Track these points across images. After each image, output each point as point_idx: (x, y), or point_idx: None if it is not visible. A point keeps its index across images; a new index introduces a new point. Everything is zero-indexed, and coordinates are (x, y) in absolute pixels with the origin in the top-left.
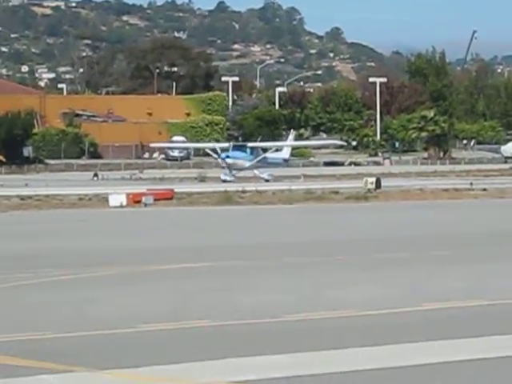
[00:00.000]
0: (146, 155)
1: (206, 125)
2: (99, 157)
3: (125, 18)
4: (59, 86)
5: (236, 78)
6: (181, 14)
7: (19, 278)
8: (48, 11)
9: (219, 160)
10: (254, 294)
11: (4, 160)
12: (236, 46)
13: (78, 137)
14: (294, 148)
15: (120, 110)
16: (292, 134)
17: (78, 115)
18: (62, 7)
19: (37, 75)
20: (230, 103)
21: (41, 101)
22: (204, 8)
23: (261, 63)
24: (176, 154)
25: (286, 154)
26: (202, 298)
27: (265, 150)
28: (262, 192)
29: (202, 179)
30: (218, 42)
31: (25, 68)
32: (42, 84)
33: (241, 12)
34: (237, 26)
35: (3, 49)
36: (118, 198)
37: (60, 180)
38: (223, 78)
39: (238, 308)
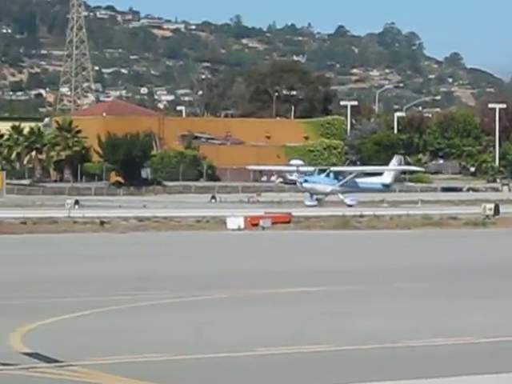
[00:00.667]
0: (264, 178)
1: (324, 148)
2: (217, 179)
3: (244, 41)
4: (178, 108)
5: (355, 103)
6: (300, 38)
7: (137, 299)
8: (168, 34)
9: (298, 184)
10: (370, 319)
11: (122, 181)
12: (355, 71)
13: (196, 159)
14: (407, 172)
15: (238, 133)
16: (396, 158)
17: (196, 137)
18: (182, 30)
19: (156, 97)
20: (349, 127)
21: (160, 123)
22: (323, 32)
23: (379, 88)
24: (294, 177)
25: (386, 178)
26: (320, 323)
27: (371, 174)
28: (380, 217)
29: (320, 203)
30: (337, 66)
31: (144, 90)
32: (160, 106)
33: (360, 36)
34: (356, 51)
35: (123, 70)
36: (235, 221)
37: (178, 202)
38: (342, 102)
39: (355, 333)
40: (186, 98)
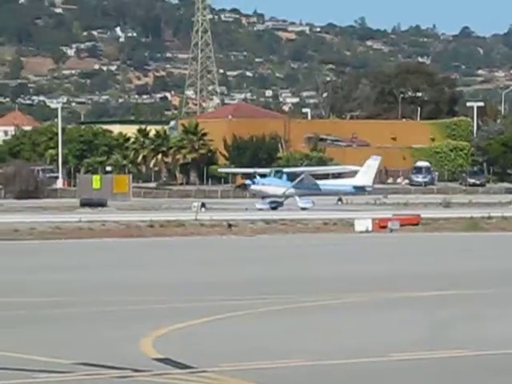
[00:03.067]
0: (390, 180)
1: (451, 150)
2: None
3: (369, 42)
4: (303, 110)
5: (481, 104)
6: (425, 39)
7: (268, 303)
8: (293, 36)
9: (247, 187)
10: (506, 323)
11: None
12: (480, 72)
13: (322, 161)
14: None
15: (364, 135)
16: (372, 158)
17: (322, 139)
18: (307, 32)
19: (281, 99)
20: (475, 129)
21: (285, 125)
22: (448, 33)
23: (505, 88)
24: (420, 179)
25: (359, 180)
26: (455, 327)
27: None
28: (508, 218)
29: (447, 205)
30: (462, 67)
31: (269, 92)
32: (285, 108)
33: (485, 37)
34: (481, 52)
35: (248, 73)
36: (363, 223)
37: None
38: (468, 104)
39: (493, 337)
40: (311, 100)
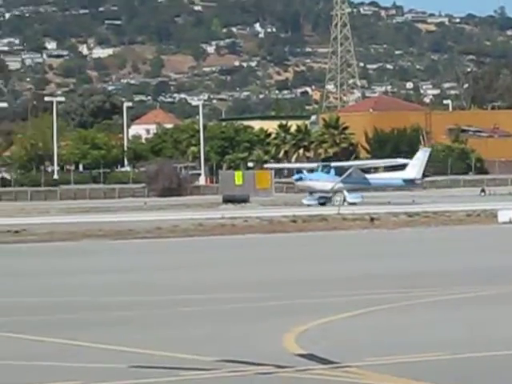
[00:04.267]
0: None
1: None
2: (486, 172)
3: (509, 32)
4: (444, 102)
5: None
6: None
7: (408, 297)
8: (432, 27)
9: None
10: None
11: None
12: None
13: (464, 152)
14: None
15: (506, 125)
16: (421, 151)
17: (463, 131)
18: (446, 23)
19: (421, 91)
20: None
21: (426, 117)
22: None
23: None
24: None
25: (409, 173)
26: None
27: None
28: None
29: None
30: None
31: (409, 85)
32: (426, 100)
33: None
34: None
35: (388, 66)
36: (507, 214)
37: (447, 196)
38: None
39: None
40: (452, 92)
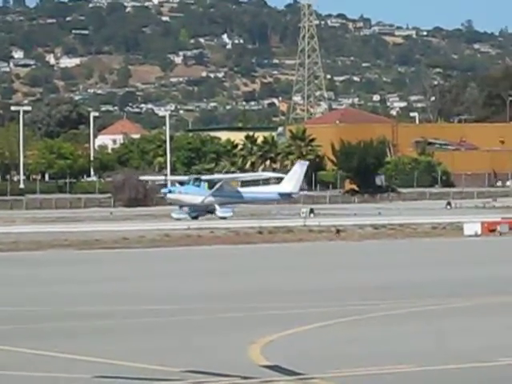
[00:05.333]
0: (499, 183)
1: None
2: (452, 185)
3: (476, 45)
4: (411, 114)
5: None
6: None
7: (379, 308)
8: (399, 40)
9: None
10: None
11: (357, 189)
12: None
13: (430, 165)
14: None
15: (472, 138)
16: (298, 164)
17: (430, 143)
18: (414, 36)
19: (388, 104)
20: None
21: (393, 130)
22: None
23: None
24: None
25: (287, 187)
26: None
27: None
28: None
29: None
30: None
31: (376, 97)
32: (393, 113)
33: None
34: None
35: (355, 78)
36: (472, 227)
37: (413, 209)
38: None
39: None
40: (419, 105)
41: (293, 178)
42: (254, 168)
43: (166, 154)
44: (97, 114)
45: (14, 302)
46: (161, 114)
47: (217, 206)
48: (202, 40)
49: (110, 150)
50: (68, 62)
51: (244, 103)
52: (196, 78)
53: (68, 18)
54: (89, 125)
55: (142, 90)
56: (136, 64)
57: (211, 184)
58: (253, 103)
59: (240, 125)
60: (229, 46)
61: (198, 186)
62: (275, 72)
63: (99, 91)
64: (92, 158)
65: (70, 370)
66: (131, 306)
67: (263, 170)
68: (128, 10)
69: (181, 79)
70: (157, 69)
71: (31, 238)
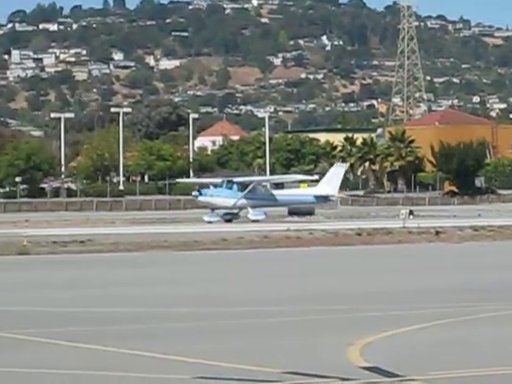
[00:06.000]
0: None
1: None
2: None
3: None
4: (511, 116)
5: None
6: None
7: (478, 310)
8: (499, 41)
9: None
10: None
11: (456, 191)
12: None
13: None
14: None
15: None
16: (337, 165)
17: None
18: None
19: (488, 105)
20: None
21: (492, 131)
22: None
23: None
24: None
25: (323, 190)
26: None
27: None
28: None
29: None
30: None
31: (476, 99)
32: (493, 114)
33: None
34: None
35: (455, 79)
36: None
37: None
38: None
39: None
40: None
41: (330, 181)
42: (353, 169)
43: (265, 155)
44: (196, 115)
45: (112, 302)
46: (260, 115)
47: (249, 209)
48: (301, 42)
49: (209, 152)
50: (167, 64)
51: (343, 105)
52: (295, 80)
53: (168, 20)
54: (188, 126)
55: (242, 91)
56: (235, 66)
57: (243, 186)
58: (352, 105)
59: (339, 126)
60: (328, 48)
61: (231, 188)
62: (374, 73)
63: (199, 93)
64: (191, 160)
65: (168, 371)
66: (228, 308)
67: (362, 173)
68: (227, 11)
69: (280, 81)
70: (256, 70)
71: (131, 240)
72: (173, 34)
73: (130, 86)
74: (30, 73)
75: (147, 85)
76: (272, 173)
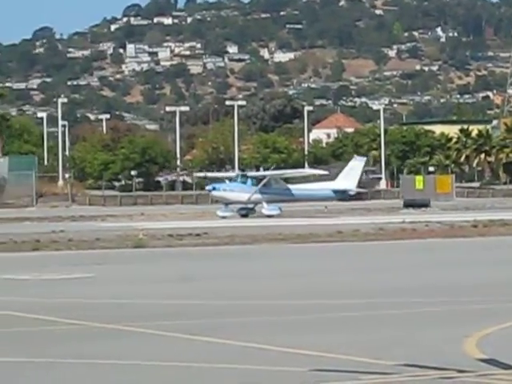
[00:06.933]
0: None
1: None
2: None
3: None
4: None
5: None
6: None
7: None
8: None
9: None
10: None
11: None
12: None
13: None
14: None
15: None
16: (356, 159)
17: None
18: None
19: None
20: None
21: None
22: None
23: None
24: None
25: (342, 184)
26: None
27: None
28: None
29: None
30: None
31: None
32: None
33: None
34: None
35: None
36: None
37: None
38: None
39: None
40: None
41: (349, 175)
42: (468, 161)
43: (380, 147)
44: (311, 108)
45: (227, 295)
46: (375, 107)
47: (264, 204)
48: (415, 33)
49: (324, 144)
50: (282, 57)
51: (458, 96)
52: (410, 72)
53: (282, 13)
54: (303, 119)
55: (356, 83)
56: (349, 58)
57: (257, 181)
58: (467, 96)
59: (454, 118)
60: (443, 39)
61: (245, 182)
62: (490, 65)
63: (313, 85)
64: (306, 152)
65: (284, 364)
66: (343, 300)
67: (477, 164)
68: (341, 3)
69: (394, 73)
70: (370, 62)
71: (246, 232)
72: (287, 26)
73: (244, 78)
74: (145, 66)
75: (262, 78)
76: (387, 165)
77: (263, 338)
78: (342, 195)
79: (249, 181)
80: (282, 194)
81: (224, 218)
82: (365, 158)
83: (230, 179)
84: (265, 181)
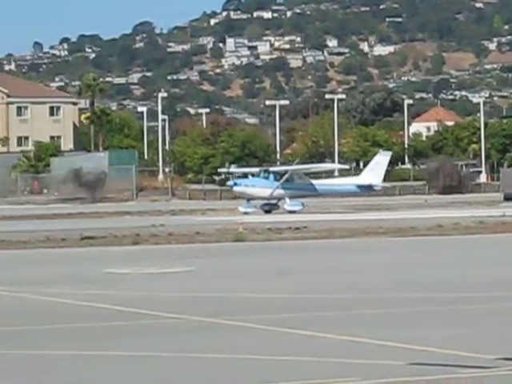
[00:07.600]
0: None
1: None
2: None
3: None
4: None
5: None
6: None
7: None
8: None
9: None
10: None
11: None
12: None
13: None
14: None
15: None
16: (381, 153)
17: None
18: None
19: None
20: None
21: None
22: None
23: None
24: None
25: (367, 179)
26: None
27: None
28: None
29: None
30: None
31: None
32: None
33: None
34: None
35: None
36: None
37: None
38: None
39: None
40: None
41: (374, 169)
42: None
43: (480, 141)
44: (411, 101)
45: (325, 289)
46: (475, 100)
47: (286, 199)
48: None
49: (423, 138)
50: (382, 50)
51: None
52: (510, 65)
53: (382, 6)
54: (403, 112)
55: (456, 77)
56: (449, 51)
57: (278, 176)
58: None
59: None
60: None
61: (267, 178)
62: None
63: (413, 79)
64: (406, 146)
65: (382, 357)
66: (443, 294)
67: None
68: None
69: (495, 66)
70: (471, 55)
71: (345, 226)
72: (387, 19)
73: (344, 72)
74: (244, 60)
75: (361, 71)
76: (487, 159)
77: (363, 332)
78: (366, 190)
79: (271, 176)
80: (305, 189)
81: (246, 213)
82: (390, 153)
83: (253, 174)
84: (287, 176)
